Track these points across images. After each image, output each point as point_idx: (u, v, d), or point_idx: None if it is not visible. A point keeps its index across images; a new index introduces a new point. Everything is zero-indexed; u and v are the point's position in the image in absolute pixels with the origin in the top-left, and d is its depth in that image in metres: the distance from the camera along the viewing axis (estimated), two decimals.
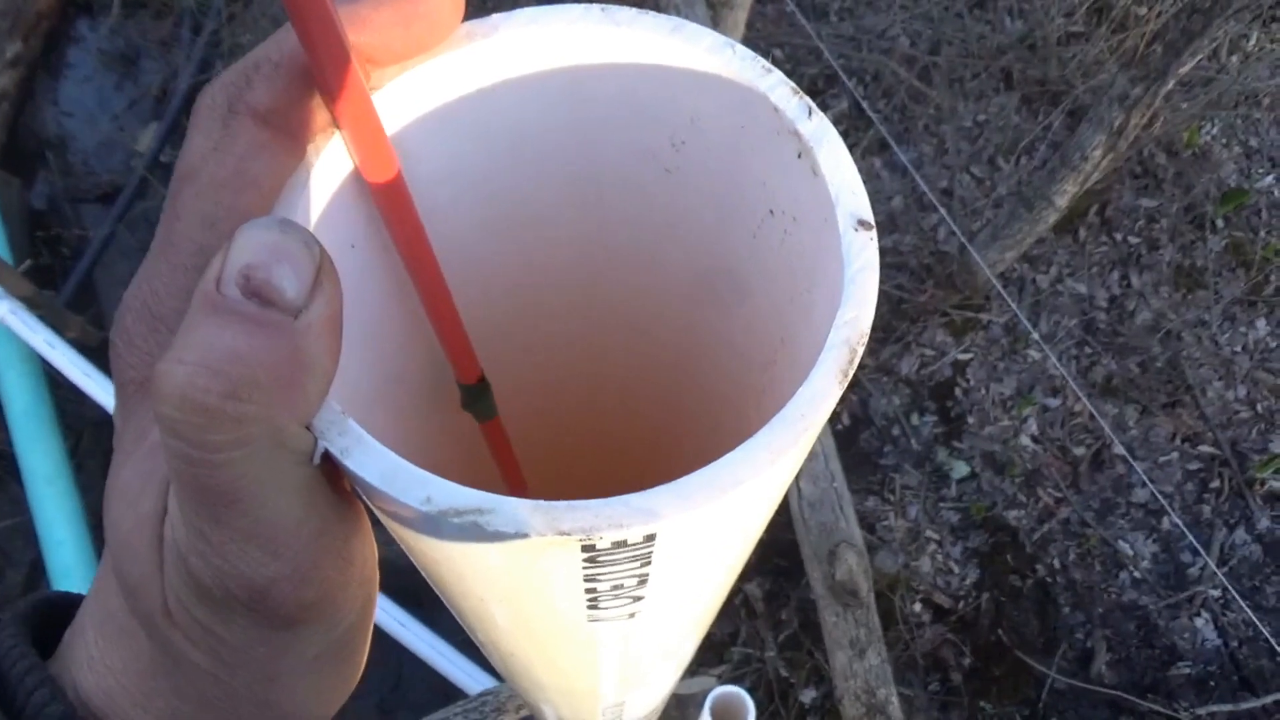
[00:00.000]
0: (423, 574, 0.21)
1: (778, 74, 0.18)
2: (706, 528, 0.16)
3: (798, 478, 1.11)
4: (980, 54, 2.07)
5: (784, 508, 1.54)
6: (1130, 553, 1.78)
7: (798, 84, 0.18)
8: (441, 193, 0.20)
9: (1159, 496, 1.75)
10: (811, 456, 1.11)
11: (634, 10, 0.18)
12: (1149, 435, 1.88)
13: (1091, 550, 1.77)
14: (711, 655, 1.67)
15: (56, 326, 1.64)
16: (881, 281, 1.55)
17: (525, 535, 0.14)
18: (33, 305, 1.63)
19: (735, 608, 1.72)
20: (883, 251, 1.95)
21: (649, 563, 0.16)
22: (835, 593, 1.04)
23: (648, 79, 0.19)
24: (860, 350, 0.16)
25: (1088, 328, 1.94)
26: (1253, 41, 2.15)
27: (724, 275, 0.23)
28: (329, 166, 0.18)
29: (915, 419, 1.87)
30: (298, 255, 0.15)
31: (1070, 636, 1.71)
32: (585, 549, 0.15)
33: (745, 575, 1.72)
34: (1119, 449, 1.82)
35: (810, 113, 0.18)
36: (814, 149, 0.18)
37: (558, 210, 0.23)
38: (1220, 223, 2.02)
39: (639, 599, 0.18)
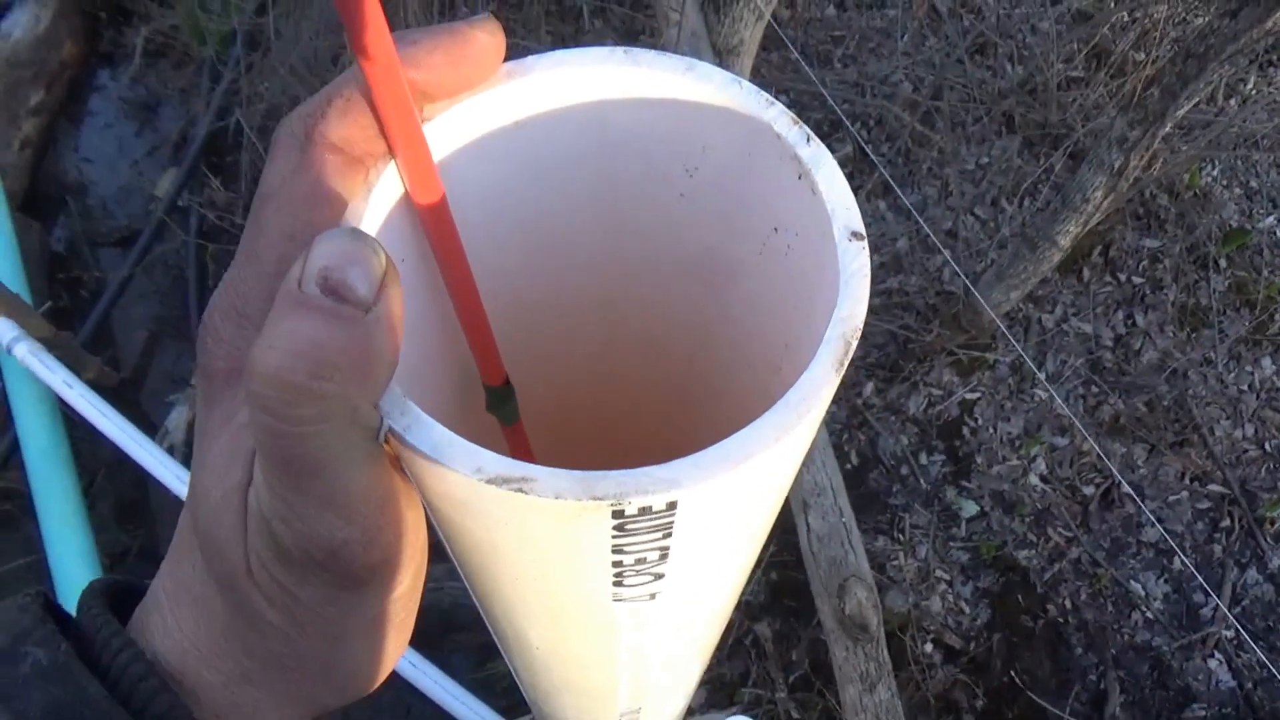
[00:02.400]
0: (458, 561, 0.23)
1: (779, 106, 0.21)
2: (721, 498, 0.18)
3: (806, 513, 1.12)
4: (982, 98, 2.11)
5: (793, 544, 1.55)
6: (1142, 593, 1.77)
7: None
8: (479, 213, 0.23)
9: (1168, 537, 1.74)
10: (819, 492, 1.12)
11: (654, 52, 0.21)
12: (1158, 474, 1.88)
13: (1103, 590, 1.77)
14: (722, 696, 1.67)
15: (74, 367, 1.67)
16: (888, 321, 1.56)
17: (563, 499, 0.16)
18: (51, 346, 1.66)
19: (745, 648, 1.71)
20: (889, 292, 1.97)
21: (670, 534, 0.18)
22: (845, 627, 1.05)
23: (665, 112, 0.22)
24: (854, 343, 0.18)
25: (1094, 367, 1.95)
26: (1250, 85, 2.19)
27: (706, 253, 0.25)
28: (386, 189, 0.20)
29: (924, 458, 1.88)
30: (367, 260, 0.17)
31: (1083, 678, 1.70)
32: (615, 514, 0.17)
33: (755, 615, 1.72)
34: (1128, 488, 1.82)
35: (809, 139, 0.20)
36: (812, 170, 0.20)
37: (581, 231, 0.25)
38: (1223, 262, 2.04)
39: (659, 576, 0.20)
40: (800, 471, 1.28)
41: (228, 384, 0.20)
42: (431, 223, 0.20)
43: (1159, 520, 1.75)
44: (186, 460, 1.63)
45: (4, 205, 1.80)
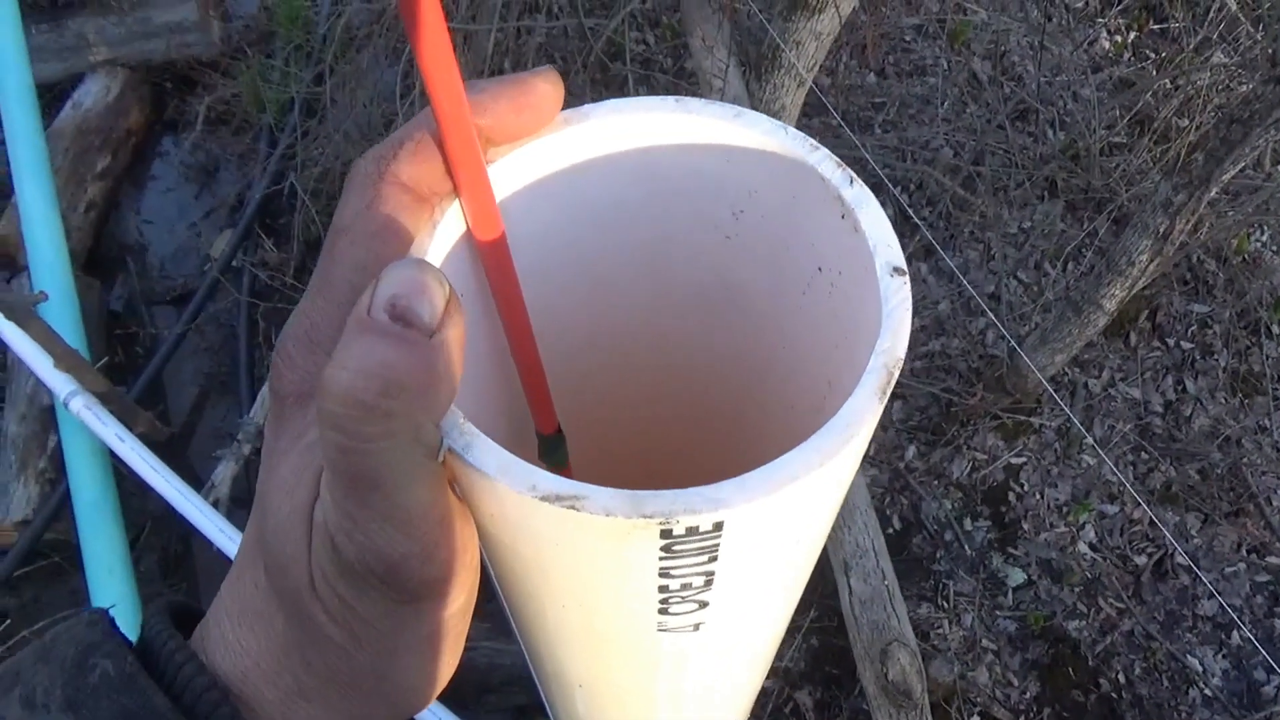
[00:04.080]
0: (504, 590, 0.23)
1: (824, 150, 0.21)
2: (766, 521, 0.18)
3: (848, 575, 1.10)
4: (1023, 163, 2.12)
5: (834, 609, 1.52)
6: (1199, 668, 1.71)
7: None
8: (535, 252, 0.24)
9: (1228, 609, 1.68)
10: (861, 553, 1.10)
11: (703, 100, 0.22)
12: (1213, 545, 1.83)
13: (1158, 665, 1.71)
14: None
15: (126, 421, 1.71)
16: (930, 384, 1.55)
17: (613, 517, 0.17)
18: (106, 400, 1.70)
19: (785, 716, 1.67)
20: (931, 355, 1.96)
21: (715, 557, 0.18)
22: (888, 693, 1.02)
23: (713, 157, 0.23)
24: (896, 374, 0.19)
25: (1143, 433, 1.91)
26: None
27: (752, 294, 0.26)
28: (449, 225, 0.21)
29: (968, 524, 1.84)
30: (433, 290, 0.18)
31: None
32: (663, 534, 0.17)
33: (796, 682, 1.68)
34: (1183, 558, 1.77)
35: (852, 181, 0.21)
36: (855, 210, 0.21)
37: (631, 272, 0.26)
38: (1276, 328, 2.01)
39: (704, 605, 0.20)
40: (841, 532, 1.27)
41: (298, 406, 0.21)
42: (490, 258, 0.21)
43: (1217, 592, 1.69)
44: (231, 515, 1.65)
45: (67, 265, 1.87)
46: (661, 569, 0.18)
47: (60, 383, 1.64)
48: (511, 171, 0.22)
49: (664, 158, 0.23)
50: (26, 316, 1.55)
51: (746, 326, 0.27)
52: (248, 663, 0.22)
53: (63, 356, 1.62)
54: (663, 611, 0.20)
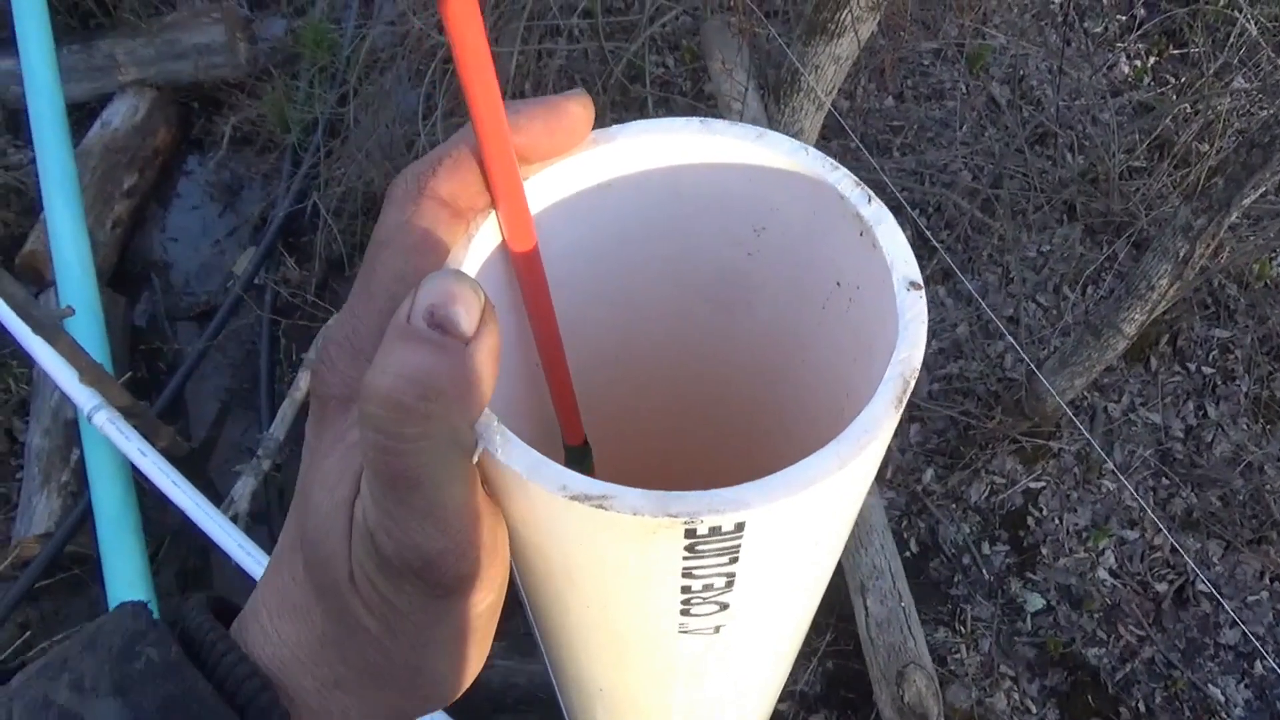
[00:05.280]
0: (529, 592, 0.24)
1: (843, 169, 0.22)
2: (785, 523, 0.19)
3: (865, 596, 1.10)
4: (1042, 187, 2.12)
5: (850, 632, 1.51)
6: (1221, 698, 1.69)
7: None
8: (564, 266, 0.25)
9: (1251, 638, 1.66)
10: (878, 575, 1.10)
11: (726, 121, 0.23)
12: (1235, 572, 1.81)
13: (1179, 694, 1.69)
14: None
15: (149, 436, 1.72)
16: (948, 407, 1.54)
17: (640, 515, 0.17)
18: (129, 415, 1.72)
19: None
20: (949, 378, 1.95)
21: (736, 558, 0.19)
22: (904, 716, 1.02)
23: (736, 176, 0.23)
24: (912, 383, 0.19)
25: (1164, 458, 1.90)
26: None
27: (773, 310, 0.26)
28: (484, 239, 0.22)
29: (986, 548, 1.83)
30: (469, 299, 0.19)
31: None
32: (688, 533, 0.18)
33: (812, 706, 1.67)
34: (1204, 586, 1.75)
35: (870, 199, 0.22)
36: (873, 227, 0.21)
37: (655, 288, 0.27)
38: None
39: (724, 607, 0.21)
40: (858, 554, 1.26)
41: (340, 409, 0.22)
42: (524, 269, 0.22)
43: (1240, 621, 1.67)
44: (250, 530, 1.66)
45: (94, 281, 1.90)
46: (685, 569, 0.19)
47: (85, 397, 1.66)
48: (543, 189, 0.23)
49: (689, 177, 0.24)
50: (53, 331, 1.57)
51: (767, 339, 0.27)
52: (286, 653, 0.23)
53: (88, 371, 1.64)
54: (685, 613, 0.21)
